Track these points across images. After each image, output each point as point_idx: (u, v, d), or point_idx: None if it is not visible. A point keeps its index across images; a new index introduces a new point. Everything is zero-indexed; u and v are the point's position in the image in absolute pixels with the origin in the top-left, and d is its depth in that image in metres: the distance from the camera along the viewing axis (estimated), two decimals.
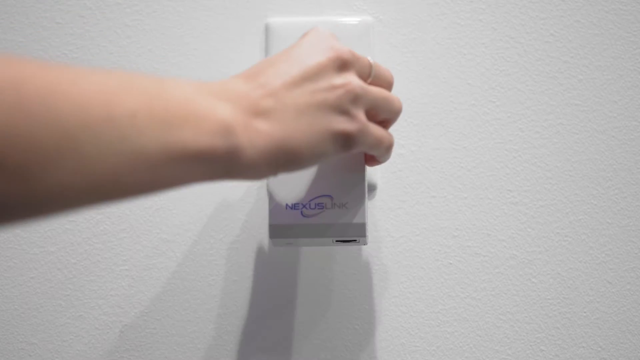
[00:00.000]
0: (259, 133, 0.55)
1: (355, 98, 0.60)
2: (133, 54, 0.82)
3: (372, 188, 0.81)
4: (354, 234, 0.70)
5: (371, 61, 0.65)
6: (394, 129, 0.81)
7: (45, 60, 0.50)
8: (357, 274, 0.81)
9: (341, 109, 0.59)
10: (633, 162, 0.81)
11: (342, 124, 0.59)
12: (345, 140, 0.60)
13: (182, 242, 0.81)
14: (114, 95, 0.48)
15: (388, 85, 0.67)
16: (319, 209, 0.70)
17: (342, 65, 0.61)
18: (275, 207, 0.71)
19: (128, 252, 0.80)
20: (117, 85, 0.49)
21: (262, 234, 0.80)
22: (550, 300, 0.81)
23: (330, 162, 0.69)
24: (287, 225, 0.70)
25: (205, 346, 0.80)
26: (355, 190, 0.71)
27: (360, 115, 0.61)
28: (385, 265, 0.81)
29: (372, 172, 0.80)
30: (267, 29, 0.81)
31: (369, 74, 0.64)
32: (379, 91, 0.64)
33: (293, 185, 0.71)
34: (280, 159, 0.56)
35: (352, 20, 0.81)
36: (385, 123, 0.67)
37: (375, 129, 0.64)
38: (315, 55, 0.60)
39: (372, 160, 0.70)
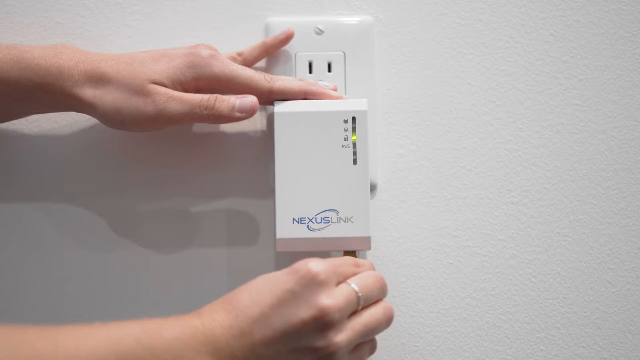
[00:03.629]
0: None
1: (338, 358, 0.62)
2: None
3: (372, 188, 0.81)
4: (359, 247, 0.72)
5: (359, 294, 0.64)
6: (393, 127, 0.81)
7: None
8: None
9: None
10: (633, 162, 0.81)
11: None
12: None
13: (183, 242, 0.81)
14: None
15: (380, 297, 0.67)
16: (325, 223, 0.72)
17: (327, 325, 0.61)
18: (282, 220, 0.72)
19: (128, 252, 0.80)
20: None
21: (263, 234, 0.80)
22: (550, 300, 0.81)
23: (335, 176, 0.72)
24: (294, 239, 0.72)
25: None
26: (360, 204, 0.72)
27: None
28: (385, 265, 0.81)
29: (372, 172, 0.80)
30: (267, 29, 0.81)
31: (357, 306, 0.64)
32: (363, 329, 0.64)
33: (300, 199, 0.72)
34: None
35: (352, 20, 0.81)
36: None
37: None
38: (301, 310, 0.61)
39: None
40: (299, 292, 0.61)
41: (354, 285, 0.64)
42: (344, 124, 0.73)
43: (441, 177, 0.81)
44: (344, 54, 0.80)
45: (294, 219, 0.72)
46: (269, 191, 0.80)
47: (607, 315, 0.81)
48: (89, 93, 0.70)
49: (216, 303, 0.63)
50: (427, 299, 0.81)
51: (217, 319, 0.61)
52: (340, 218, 0.72)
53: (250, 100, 0.72)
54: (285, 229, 0.72)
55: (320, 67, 0.80)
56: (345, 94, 0.80)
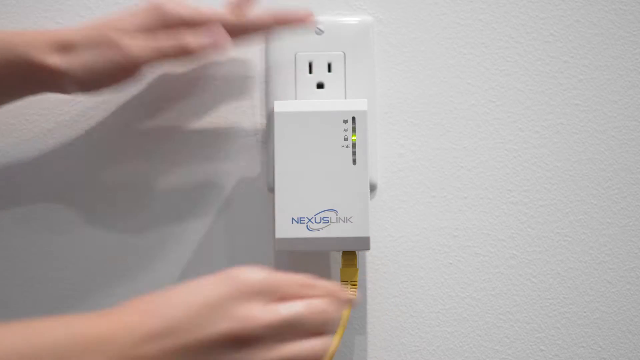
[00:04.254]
0: None
1: None
2: None
3: (372, 188, 0.81)
4: (358, 247, 0.72)
5: (293, 318, 0.57)
6: (393, 127, 0.81)
7: None
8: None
9: None
10: (633, 162, 0.81)
11: None
12: None
13: (182, 243, 0.80)
14: None
15: (321, 331, 0.59)
16: (324, 223, 0.72)
17: (245, 341, 0.55)
18: (281, 220, 0.72)
19: (127, 254, 0.80)
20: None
21: (262, 234, 0.80)
22: (550, 300, 0.81)
23: (335, 176, 0.71)
24: (293, 239, 0.72)
25: None
26: (359, 204, 0.72)
27: None
28: (385, 265, 0.81)
29: (372, 172, 0.80)
30: None
31: (288, 330, 0.57)
32: (284, 357, 0.57)
33: (299, 199, 0.72)
34: None
35: (352, 20, 0.81)
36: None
37: None
38: (221, 321, 0.55)
39: None
40: (223, 302, 0.56)
41: (292, 307, 0.58)
42: (344, 124, 0.73)
43: (441, 177, 0.81)
44: (344, 54, 0.80)
45: (293, 218, 0.72)
46: (269, 191, 0.80)
47: (607, 315, 0.81)
48: (57, 60, 0.69)
49: (129, 303, 0.57)
50: (427, 299, 0.81)
51: (124, 320, 0.56)
52: (339, 218, 0.72)
53: (218, 30, 0.70)
54: (285, 229, 0.72)
55: (320, 67, 0.80)
56: (345, 94, 0.80)
